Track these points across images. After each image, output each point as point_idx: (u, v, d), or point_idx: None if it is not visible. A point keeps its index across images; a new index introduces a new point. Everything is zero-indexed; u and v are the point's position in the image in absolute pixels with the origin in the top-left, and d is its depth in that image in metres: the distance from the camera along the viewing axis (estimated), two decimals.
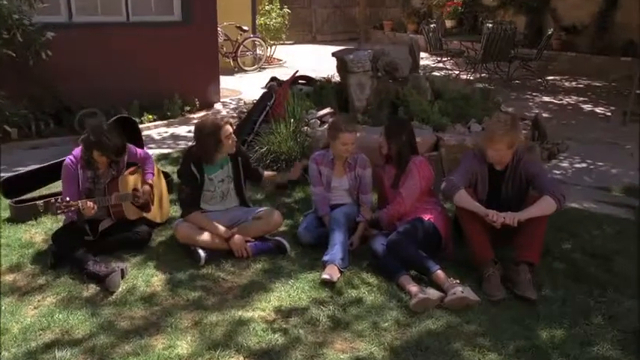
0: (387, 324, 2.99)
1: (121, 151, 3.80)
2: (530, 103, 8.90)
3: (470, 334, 2.92)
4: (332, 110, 5.71)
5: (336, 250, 3.54)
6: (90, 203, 3.52)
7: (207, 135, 3.65)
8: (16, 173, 4.47)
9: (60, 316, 3.03)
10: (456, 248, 3.69)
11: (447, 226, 3.72)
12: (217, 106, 8.20)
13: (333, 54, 6.28)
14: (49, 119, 6.63)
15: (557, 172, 5.76)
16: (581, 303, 3.20)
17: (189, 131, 6.93)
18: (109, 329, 2.92)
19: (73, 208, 3.44)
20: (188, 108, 7.74)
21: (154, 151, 5.99)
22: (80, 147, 3.77)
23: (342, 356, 2.75)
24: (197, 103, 7.87)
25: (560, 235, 4.03)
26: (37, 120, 6.53)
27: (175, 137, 6.67)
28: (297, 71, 6.80)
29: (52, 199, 3.45)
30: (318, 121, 5.60)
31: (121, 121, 4.83)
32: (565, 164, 6.01)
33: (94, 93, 6.70)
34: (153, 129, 7.00)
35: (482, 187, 3.69)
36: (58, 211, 3.39)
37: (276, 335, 2.89)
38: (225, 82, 8.89)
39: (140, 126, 6.77)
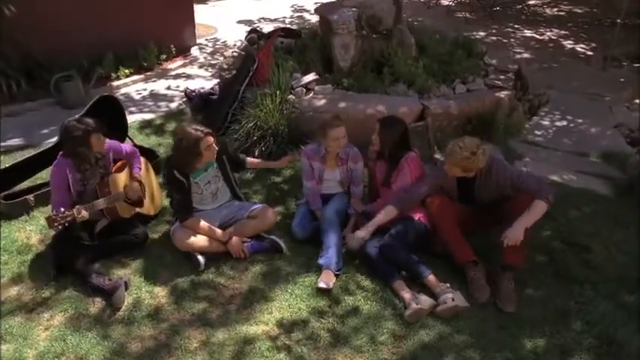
0: (383, 337, 3.20)
1: (96, 129, 3.73)
2: (512, 40, 8.81)
3: (460, 346, 3.16)
4: (317, 77, 5.62)
5: (330, 254, 3.67)
6: (84, 212, 3.54)
7: (187, 147, 3.62)
8: (2, 168, 4.39)
9: (72, 339, 3.16)
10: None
11: None
12: (194, 50, 7.96)
13: (316, 10, 6.07)
14: (20, 77, 6.39)
15: (539, 132, 5.89)
16: (561, 305, 3.45)
17: (169, 87, 6.80)
18: (122, 354, 3.07)
19: (69, 219, 3.46)
20: (164, 56, 7.51)
21: (135, 117, 5.91)
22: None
23: None
24: (173, 49, 7.62)
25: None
26: (8, 78, 6.29)
27: (155, 97, 6.51)
28: (278, 28, 6.57)
29: (53, 214, 3.43)
30: (304, 89, 5.53)
31: (103, 100, 4.76)
32: (546, 122, 6.12)
33: (65, 45, 6.44)
34: (131, 85, 6.81)
35: (453, 195, 3.82)
36: (55, 224, 3.41)
37: (281, 355, 3.08)
38: (199, 13, 8.44)
39: (117, 82, 6.69)
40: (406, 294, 3.44)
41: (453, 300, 3.36)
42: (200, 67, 7.51)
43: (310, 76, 5.63)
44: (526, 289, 3.58)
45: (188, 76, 7.16)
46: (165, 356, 3.07)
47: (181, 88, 6.71)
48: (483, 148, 3.53)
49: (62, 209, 3.45)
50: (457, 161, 3.54)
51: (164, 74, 7.17)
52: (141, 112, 6.11)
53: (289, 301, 3.46)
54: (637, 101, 6.99)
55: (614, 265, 3.81)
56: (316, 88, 5.54)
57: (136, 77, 6.94)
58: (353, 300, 3.48)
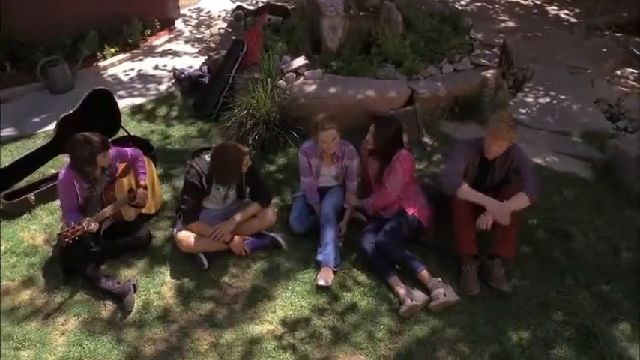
0: (380, 333, 3.45)
1: (102, 149, 3.77)
2: (497, 7, 8.83)
3: (452, 340, 3.42)
4: (306, 61, 5.66)
5: (329, 250, 3.87)
6: (93, 225, 3.67)
7: (231, 164, 3.80)
8: (2, 167, 4.45)
9: (88, 343, 3.35)
10: (438, 233, 4.09)
11: (430, 215, 4.07)
12: (178, 23, 7.89)
13: None
14: (5, 60, 6.34)
15: (523, 110, 6.05)
16: (544, 296, 3.71)
17: (156, 67, 6.78)
18: (137, 358, 3.28)
19: (79, 233, 3.59)
20: (149, 32, 7.44)
21: (125, 102, 5.94)
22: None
23: None
24: (157, 23, 7.55)
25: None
26: None
27: (144, 78, 6.50)
28: (266, 5, 6.53)
29: (64, 231, 3.55)
30: (294, 74, 5.58)
31: (96, 94, 4.79)
32: (530, 99, 6.28)
33: (47, 24, 6.39)
34: (117, 65, 6.78)
35: (472, 174, 3.98)
36: (67, 240, 3.54)
37: (287, 354, 3.32)
38: None
39: (103, 63, 6.66)
40: (401, 289, 3.67)
41: (444, 295, 3.59)
42: (186, 42, 7.47)
43: (300, 60, 5.67)
44: (512, 280, 3.82)
45: (175, 54, 7.12)
46: (177, 359, 3.28)
47: (169, 68, 6.71)
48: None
49: (72, 223, 3.56)
50: (504, 135, 3.70)
51: (150, 51, 7.12)
52: (131, 95, 6.13)
53: (291, 299, 3.67)
54: (617, 72, 7.16)
55: (593, 252, 4.07)
56: (306, 73, 5.59)
57: (122, 56, 6.89)
58: (351, 296, 3.70)
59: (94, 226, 3.69)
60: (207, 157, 3.92)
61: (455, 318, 3.56)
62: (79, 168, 3.73)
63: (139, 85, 6.34)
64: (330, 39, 5.95)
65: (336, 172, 4.28)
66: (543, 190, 4.51)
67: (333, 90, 5.41)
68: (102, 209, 3.89)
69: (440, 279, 3.72)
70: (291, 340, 3.41)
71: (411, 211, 3.97)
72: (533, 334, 3.46)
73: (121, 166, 4.15)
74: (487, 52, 6.45)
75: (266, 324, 3.51)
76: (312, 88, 5.43)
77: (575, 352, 3.36)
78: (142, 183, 4.13)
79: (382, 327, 3.49)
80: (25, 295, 3.69)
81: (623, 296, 3.73)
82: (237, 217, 3.96)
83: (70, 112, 4.63)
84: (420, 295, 3.62)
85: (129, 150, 4.17)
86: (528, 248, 4.10)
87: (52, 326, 3.48)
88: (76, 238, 3.58)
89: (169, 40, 7.42)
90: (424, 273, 3.73)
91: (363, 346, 3.37)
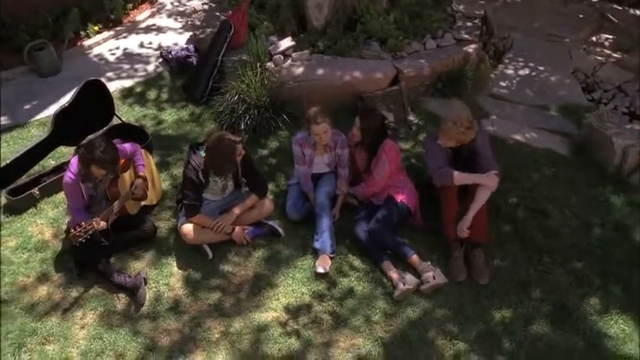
0: (376, 317, 3.78)
1: (116, 160, 4.01)
2: None
3: (441, 320, 3.77)
4: (293, 43, 5.76)
5: (325, 238, 4.15)
6: (102, 223, 3.88)
7: (224, 155, 3.94)
8: (4, 164, 4.58)
9: (108, 336, 3.62)
10: (424, 216, 4.40)
11: (417, 200, 4.35)
12: None
13: None
14: None
15: (503, 83, 6.28)
16: (524, 275, 4.06)
17: (142, 45, 6.80)
18: (155, 349, 3.57)
19: (90, 232, 3.80)
20: (130, 5, 7.39)
21: (115, 85, 6.01)
22: (76, 160, 3.96)
23: (347, 355, 3.56)
24: None
25: (506, 185, 4.71)
26: None
27: (130, 57, 6.54)
28: None
29: (75, 231, 3.75)
30: (282, 56, 5.70)
31: (89, 84, 4.90)
32: (510, 71, 6.50)
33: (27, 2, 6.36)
34: (102, 44, 6.78)
35: (447, 161, 4.24)
36: (79, 239, 3.74)
37: (292, 339, 3.64)
38: None
39: (88, 42, 6.66)
40: (394, 274, 3.98)
41: (434, 278, 3.92)
42: (169, 16, 7.45)
43: (287, 42, 5.77)
44: (495, 261, 4.16)
45: (159, 29, 7.12)
46: (192, 348, 3.58)
47: (154, 46, 6.74)
48: (474, 122, 4.07)
49: (83, 223, 3.76)
50: (453, 135, 4.03)
51: (134, 27, 7.11)
52: (119, 77, 6.18)
53: (292, 286, 3.97)
54: (593, 39, 7.38)
55: (568, 230, 4.41)
56: (294, 55, 5.71)
57: (106, 34, 6.88)
58: (347, 282, 4.01)
59: (104, 224, 3.90)
60: (201, 153, 4.09)
61: (443, 299, 3.89)
62: (104, 165, 3.86)
63: (126, 66, 6.38)
64: (316, 18, 6.04)
65: (328, 161, 4.51)
66: (524, 168, 4.84)
67: (320, 72, 5.56)
68: (107, 204, 4.09)
69: (429, 262, 4.03)
70: (295, 326, 3.72)
71: (399, 199, 4.24)
72: (515, 312, 3.82)
73: (122, 162, 4.30)
74: (469, 23, 6.59)
75: (271, 311, 3.81)
76: (300, 70, 5.57)
77: (551, 327, 3.73)
78: (141, 174, 4.29)
79: (378, 310, 3.82)
80: (42, 290, 3.92)
81: (593, 272, 4.09)
82: (237, 210, 4.18)
83: (66, 105, 4.73)
84: (411, 279, 3.94)
85: (127, 145, 4.31)
86: (509, 228, 4.42)
87: (72, 321, 3.73)
88: (88, 237, 3.79)
89: (152, 15, 7.40)
90: (414, 258, 4.04)
91: (361, 330, 3.70)
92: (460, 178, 4.06)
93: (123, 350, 3.56)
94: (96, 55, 6.57)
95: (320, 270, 4.01)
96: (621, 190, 4.78)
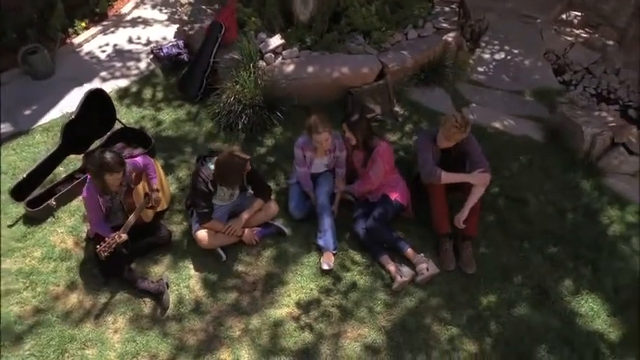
0: (378, 307, 4.26)
1: (121, 160, 4.22)
2: None
3: (435, 308, 4.27)
4: (283, 41, 6.01)
5: (328, 236, 4.57)
6: (123, 236, 4.22)
7: (232, 172, 4.30)
8: (21, 179, 4.83)
9: (140, 339, 4.03)
10: (416, 210, 4.83)
11: (408, 195, 4.79)
12: None
13: None
14: None
15: (481, 69, 6.65)
16: (507, 261, 4.56)
17: (130, 40, 6.94)
18: (184, 348, 4.00)
19: (114, 246, 4.15)
20: None
21: (110, 86, 6.18)
22: (89, 176, 4.26)
23: (355, 345, 4.05)
24: None
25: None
26: None
27: (121, 54, 6.67)
28: None
29: (100, 247, 4.09)
30: (272, 54, 5.96)
31: (92, 94, 5.14)
32: (487, 55, 6.87)
33: None
34: (91, 40, 6.88)
35: (436, 160, 4.65)
36: (104, 254, 4.09)
37: (305, 333, 4.10)
38: None
39: (77, 40, 6.79)
40: (391, 267, 4.45)
41: (427, 269, 4.40)
42: (153, 7, 7.54)
43: (276, 40, 6.02)
44: (480, 249, 4.65)
45: (145, 22, 7.23)
46: (218, 346, 4.03)
47: (143, 40, 6.88)
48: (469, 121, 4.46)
49: (107, 239, 4.10)
50: (457, 138, 4.42)
51: (120, 21, 7.21)
52: (113, 77, 6.35)
53: (301, 283, 4.41)
54: (562, 17, 7.74)
55: (544, 217, 4.92)
56: (284, 53, 5.97)
57: (93, 30, 6.96)
58: (350, 276, 4.46)
59: (125, 237, 4.24)
60: (210, 165, 4.43)
61: (437, 288, 4.39)
62: (113, 170, 4.11)
63: (119, 64, 6.54)
64: (302, 12, 6.27)
65: (327, 162, 4.88)
66: (504, 156, 5.29)
67: (310, 69, 5.85)
68: (122, 214, 4.43)
69: (422, 254, 4.50)
70: (307, 320, 4.18)
71: (394, 197, 4.66)
72: (499, 297, 4.34)
73: (135, 175, 4.61)
74: (447, 8, 6.90)
75: (284, 307, 4.25)
76: (290, 68, 5.85)
77: (531, 309, 4.27)
78: (155, 187, 4.61)
79: (379, 302, 4.30)
80: (73, 298, 4.28)
81: (567, 256, 4.62)
82: (245, 215, 4.57)
83: (72, 117, 4.99)
84: (407, 271, 4.41)
85: (139, 159, 4.60)
86: (492, 217, 4.90)
87: (105, 326, 4.12)
88: (112, 251, 4.14)
89: (136, 6, 7.47)
90: (409, 251, 4.51)
91: (365, 320, 4.19)
92: (447, 177, 4.48)
93: (156, 351, 3.98)
94: (87, 54, 6.70)
95: (325, 266, 4.45)
96: (589, 175, 5.28)
